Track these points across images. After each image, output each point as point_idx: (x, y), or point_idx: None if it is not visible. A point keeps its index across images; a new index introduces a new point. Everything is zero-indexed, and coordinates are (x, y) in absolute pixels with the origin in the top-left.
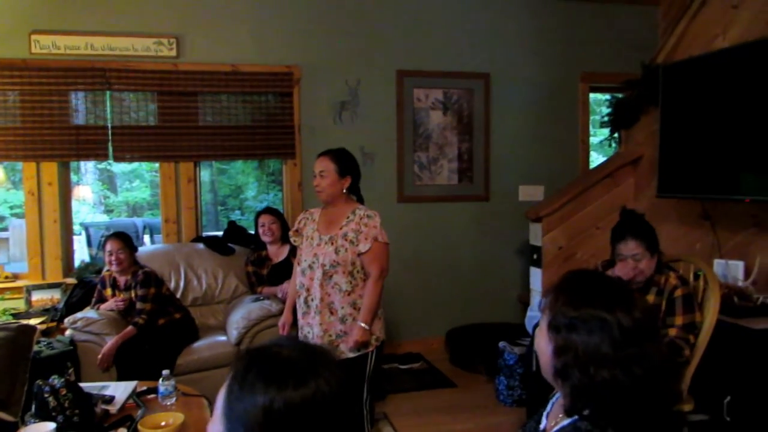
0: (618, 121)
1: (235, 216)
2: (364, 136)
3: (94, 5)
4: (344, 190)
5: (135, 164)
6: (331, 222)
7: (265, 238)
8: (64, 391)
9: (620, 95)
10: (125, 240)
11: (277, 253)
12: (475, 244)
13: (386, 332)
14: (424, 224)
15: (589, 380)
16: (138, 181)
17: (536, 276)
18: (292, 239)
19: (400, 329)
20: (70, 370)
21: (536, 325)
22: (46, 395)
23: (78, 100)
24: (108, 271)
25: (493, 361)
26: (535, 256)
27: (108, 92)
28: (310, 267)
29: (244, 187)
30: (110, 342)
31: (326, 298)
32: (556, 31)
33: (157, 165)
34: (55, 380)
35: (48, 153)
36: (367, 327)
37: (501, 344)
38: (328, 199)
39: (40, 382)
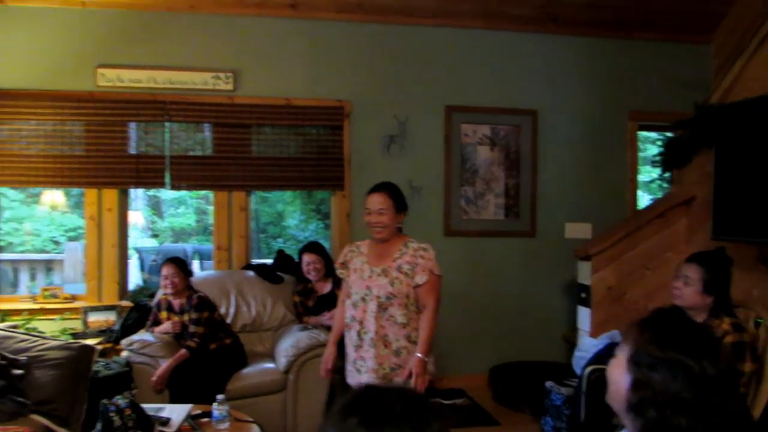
0: (670, 160)
1: (277, 244)
2: (411, 169)
3: (157, 41)
4: (398, 225)
5: (182, 191)
6: (383, 254)
7: (309, 277)
8: (128, 411)
9: (670, 134)
10: (180, 265)
11: (323, 286)
12: (520, 280)
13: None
14: (469, 259)
15: (663, 422)
16: (183, 207)
17: (584, 315)
18: (338, 272)
19: (443, 364)
20: (134, 391)
21: (587, 364)
22: (111, 414)
23: (139, 131)
24: (164, 294)
25: (539, 401)
26: (583, 295)
27: (167, 123)
28: (363, 299)
29: (285, 215)
30: (164, 365)
31: (381, 331)
32: (604, 68)
33: (202, 192)
34: (120, 400)
35: (109, 180)
36: (425, 358)
37: (548, 384)
38: (386, 237)
39: (106, 402)
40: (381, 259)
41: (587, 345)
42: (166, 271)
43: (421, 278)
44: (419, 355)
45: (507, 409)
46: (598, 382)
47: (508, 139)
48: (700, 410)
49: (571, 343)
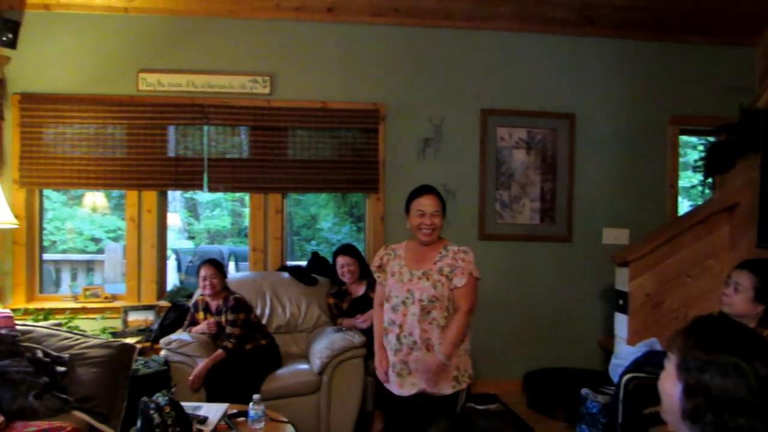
0: (712, 166)
1: (311, 247)
2: (446, 173)
3: (196, 46)
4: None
5: (217, 194)
6: (422, 258)
7: (344, 279)
8: (167, 409)
9: (713, 139)
10: (218, 266)
11: (357, 289)
12: (556, 285)
13: None
14: (504, 263)
15: (722, 425)
16: (218, 209)
17: (621, 322)
18: (375, 275)
19: (476, 368)
20: (174, 389)
21: (624, 372)
22: (151, 411)
23: (177, 134)
24: (201, 295)
25: (574, 408)
26: (620, 302)
27: (205, 126)
28: (403, 303)
29: (318, 218)
30: (201, 364)
31: (423, 335)
32: (644, 71)
33: (237, 195)
34: (160, 398)
35: (149, 182)
36: (446, 360)
37: (584, 391)
38: (435, 239)
39: (146, 399)
40: (420, 262)
41: (625, 352)
42: (204, 272)
43: (459, 281)
44: (440, 356)
45: (541, 416)
46: (636, 390)
47: (545, 143)
48: (757, 409)
49: (607, 350)
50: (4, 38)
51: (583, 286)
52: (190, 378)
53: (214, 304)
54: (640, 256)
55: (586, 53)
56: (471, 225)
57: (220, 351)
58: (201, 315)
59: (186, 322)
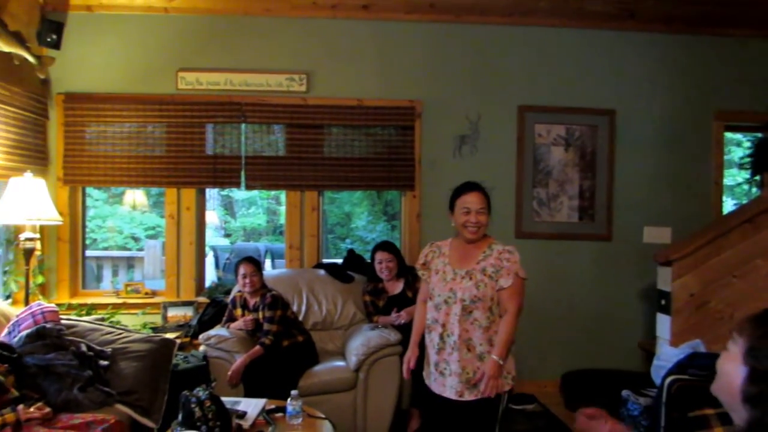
0: (760, 162)
1: (345, 245)
2: (483, 170)
3: (234, 45)
4: None
5: (253, 192)
6: (466, 256)
7: (382, 275)
8: (208, 403)
9: (760, 135)
10: (257, 264)
11: (393, 287)
12: (595, 285)
13: None
14: (541, 261)
15: None
16: (254, 207)
17: (664, 323)
18: (419, 272)
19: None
20: (214, 384)
21: (667, 374)
22: (192, 405)
23: (215, 132)
24: (239, 292)
25: (614, 410)
26: (663, 302)
27: (243, 125)
28: (446, 302)
29: (353, 216)
30: (239, 360)
31: (464, 335)
32: (688, 66)
33: (273, 192)
34: (200, 392)
35: (188, 180)
36: (501, 362)
37: (624, 393)
38: (480, 237)
39: (187, 393)
40: (464, 260)
41: (667, 354)
42: (244, 269)
43: (506, 281)
44: (495, 357)
45: None
46: (680, 393)
47: (584, 140)
48: None
49: (647, 351)
50: (49, 39)
51: (623, 286)
52: (229, 373)
53: (252, 301)
54: (683, 255)
55: (627, 48)
56: (507, 223)
57: (257, 347)
58: (239, 311)
59: (224, 318)
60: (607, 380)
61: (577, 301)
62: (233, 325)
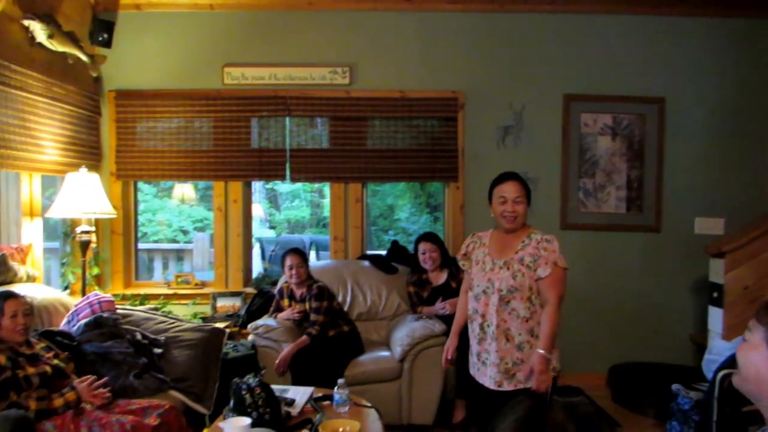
0: None
1: (388, 237)
2: (527, 161)
3: (278, 39)
4: None
5: (297, 185)
6: (505, 246)
7: (426, 266)
8: (258, 390)
9: None
10: (303, 256)
11: (437, 277)
12: (644, 277)
13: None
14: (587, 253)
15: None
16: (297, 200)
17: (716, 316)
18: (460, 263)
19: (559, 361)
20: (263, 371)
21: (719, 368)
22: (243, 392)
23: (261, 126)
24: (286, 282)
25: (664, 404)
26: (715, 295)
27: (287, 118)
28: (485, 292)
29: (395, 208)
30: (287, 349)
31: (503, 325)
32: (742, 50)
33: (316, 185)
34: (251, 379)
35: (235, 173)
36: (547, 355)
37: (675, 387)
38: (518, 227)
39: (238, 380)
40: (503, 250)
41: (720, 348)
42: (290, 261)
43: (543, 271)
44: (541, 351)
45: (627, 411)
46: (732, 387)
47: (632, 129)
48: None
49: (698, 345)
50: (100, 38)
51: (673, 278)
52: (277, 362)
53: (298, 292)
54: (737, 247)
55: (677, 33)
56: (553, 214)
57: (304, 337)
58: (286, 302)
59: (271, 309)
60: (656, 374)
61: (625, 293)
62: (281, 315)
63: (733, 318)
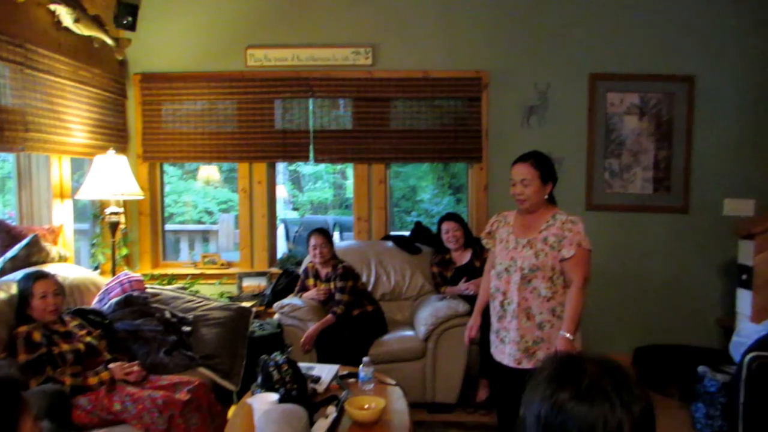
0: None
1: (411, 218)
2: (552, 141)
3: (301, 21)
4: (546, 196)
5: (319, 166)
6: (529, 226)
7: (449, 245)
8: (285, 367)
9: None
10: (327, 236)
11: (461, 257)
12: (670, 258)
13: None
14: (613, 234)
15: None
16: (320, 182)
17: (745, 299)
18: (484, 241)
19: (584, 342)
20: (290, 349)
21: (748, 350)
22: (270, 369)
23: (284, 107)
24: (311, 262)
25: (689, 386)
26: (744, 277)
27: (310, 99)
28: (507, 270)
29: (418, 189)
30: (312, 327)
31: (523, 303)
32: None
33: (338, 167)
34: (278, 356)
35: (259, 155)
36: (571, 338)
37: (701, 369)
38: (532, 208)
39: (266, 357)
40: (527, 230)
41: (748, 330)
42: (314, 241)
43: (568, 252)
44: (565, 334)
45: (652, 392)
46: (761, 370)
47: (660, 108)
48: None
49: (725, 327)
50: (125, 21)
51: (701, 260)
52: (302, 340)
53: (323, 272)
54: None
55: (708, 9)
56: (578, 195)
57: (329, 316)
58: (311, 281)
59: (297, 288)
60: (682, 356)
61: (650, 274)
62: (306, 294)
63: (762, 300)
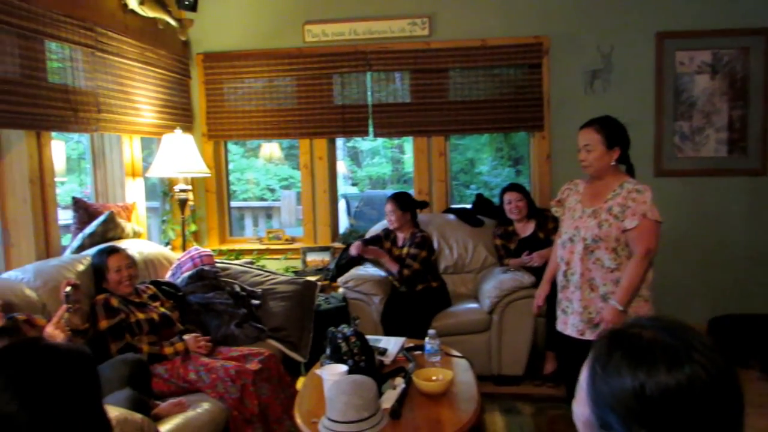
0: None
1: (470, 191)
2: (617, 105)
3: None
4: (613, 163)
5: (377, 141)
6: (596, 194)
7: (512, 216)
8: (353, 339)
9: None
10: (398, 202)
11: (524, 229)
12: (747, 223)
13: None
14: (685, 201)
15: None
16: (378, 157)
17: None
18: (553, 210)
19: (657, 311)
20: (357, 321)
21: None
22: (339, 341)
23: (342, 82)
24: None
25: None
26: None
27: (368, 73)
28: (571, 240)
29: (476, 162)
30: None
31: (587, 274)
32: None
33: (396, 141)
34: (346, 329)
35: (319, 131)
36: (621, 308)
37: None
38: (596, 174)
39: (334, 329)
40: (594, 199)
41: None
42: (387, 207)
43: (630, 222)
44: (614, 303)
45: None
46: None
47: (734, 65)
48: None
49: None
50: (186, 2)
51: None
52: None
53: (401, 237)
54: None
55: None
56: (646, 160)
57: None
58: (388, 244)
59: (367, 238)
60: (760, 326)
61: (726, 241)
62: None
63: None
